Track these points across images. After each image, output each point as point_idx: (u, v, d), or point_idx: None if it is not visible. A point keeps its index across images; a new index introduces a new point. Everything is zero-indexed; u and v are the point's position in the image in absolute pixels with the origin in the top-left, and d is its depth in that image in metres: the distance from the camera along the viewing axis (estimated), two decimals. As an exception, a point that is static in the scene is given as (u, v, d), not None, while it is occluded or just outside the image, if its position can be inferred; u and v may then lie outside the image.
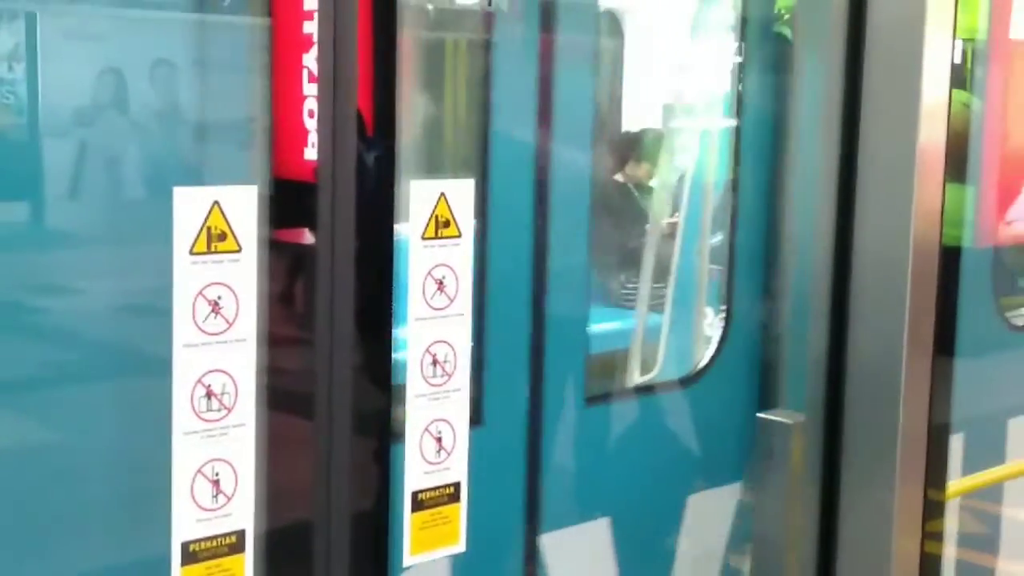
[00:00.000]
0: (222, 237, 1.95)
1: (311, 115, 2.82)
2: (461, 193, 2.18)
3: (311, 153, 2.92)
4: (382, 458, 2.16)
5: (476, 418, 2.39)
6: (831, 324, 2.81)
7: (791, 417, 2.89)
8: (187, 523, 1.96)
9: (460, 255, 2.20)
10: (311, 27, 2.80)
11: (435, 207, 2.15)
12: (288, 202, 2.13)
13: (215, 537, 1.98)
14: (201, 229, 1.93)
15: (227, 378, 1.97)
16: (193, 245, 1.93)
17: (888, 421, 2.75)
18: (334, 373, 2.04)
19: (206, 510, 1.97)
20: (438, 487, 2.21)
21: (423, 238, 2.15)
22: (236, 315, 1.97)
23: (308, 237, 2.12)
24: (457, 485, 2.23)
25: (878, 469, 2.76)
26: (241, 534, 2.01)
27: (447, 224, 2.17)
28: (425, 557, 2.21)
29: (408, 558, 2.19)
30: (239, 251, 1.97)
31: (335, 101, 2.06)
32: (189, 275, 1.93)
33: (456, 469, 2.22)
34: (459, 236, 2.19)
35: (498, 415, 2.55)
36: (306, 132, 2.91)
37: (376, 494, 2.15)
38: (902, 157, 2.74)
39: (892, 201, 2.79)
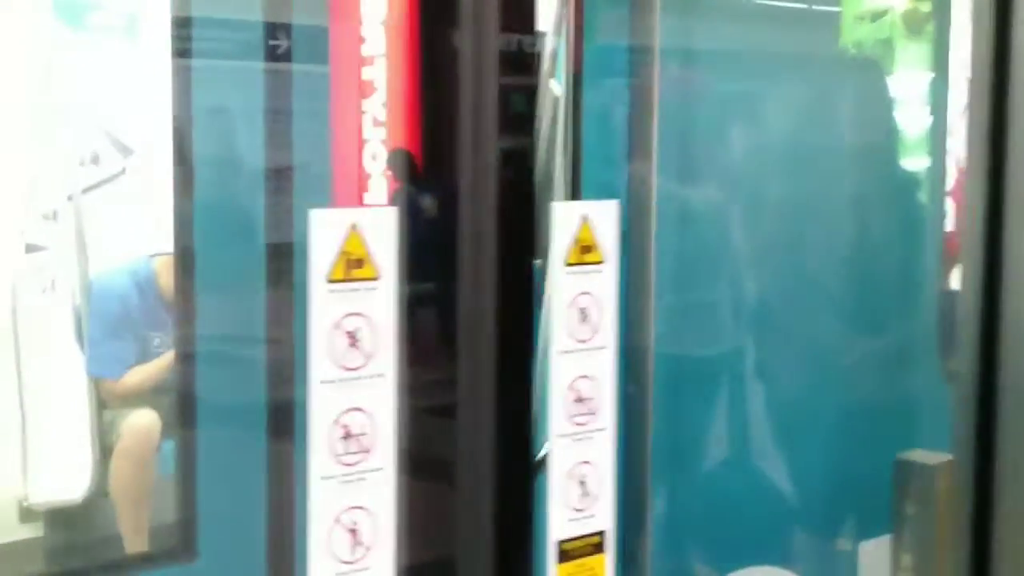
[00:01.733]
0: (359, 263, 1.80)
1: (373, 158, 2.73)
2: (604, 215, 2.02)
3: (370, 198, 2.82)
4: (526, 505, 1.98)
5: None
6: (981, 352, 2.62)
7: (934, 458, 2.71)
8: (326, 577, 1.79)
9: (604, 282, 2.04)
10: (370, 72, 2.74)
11: (578, 231, 1.99)
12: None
13: (355, 593, 1.82)
14: (339, 255, 1.78)
15: (365, 418, 1.81)
16: (330, 272, 1.77)
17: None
18: (477, 411, 1.88)
19: (344, 563, 1.80)
20: (583, 536, 2.03)
21: (566, 264, 1.99)
22: (374, 349, 1.81)
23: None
24: (603, 534, 2.05)
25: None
26: (380, 588, 1.84)
27: (589, 249, 2.02)
28: None
29: None
30: (377, 279, 1.81)
31: (475, 129, 1.89)
32: (326, 305, 1.77)
33: (601, 517, 2.04)
34: (602, 262, 2.03)
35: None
36: (366, 176, 2.81)
37: (520, 544, 1.98)
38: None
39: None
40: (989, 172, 2.57)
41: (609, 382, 2.05)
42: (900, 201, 3.06)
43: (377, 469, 1.82)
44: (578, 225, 1.99)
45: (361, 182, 2.77)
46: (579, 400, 2.02)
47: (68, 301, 4.83)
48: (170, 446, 4.32)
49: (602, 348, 2.04)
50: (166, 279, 4.63)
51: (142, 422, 4.91)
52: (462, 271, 1.86)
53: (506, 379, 1.90)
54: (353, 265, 1.79)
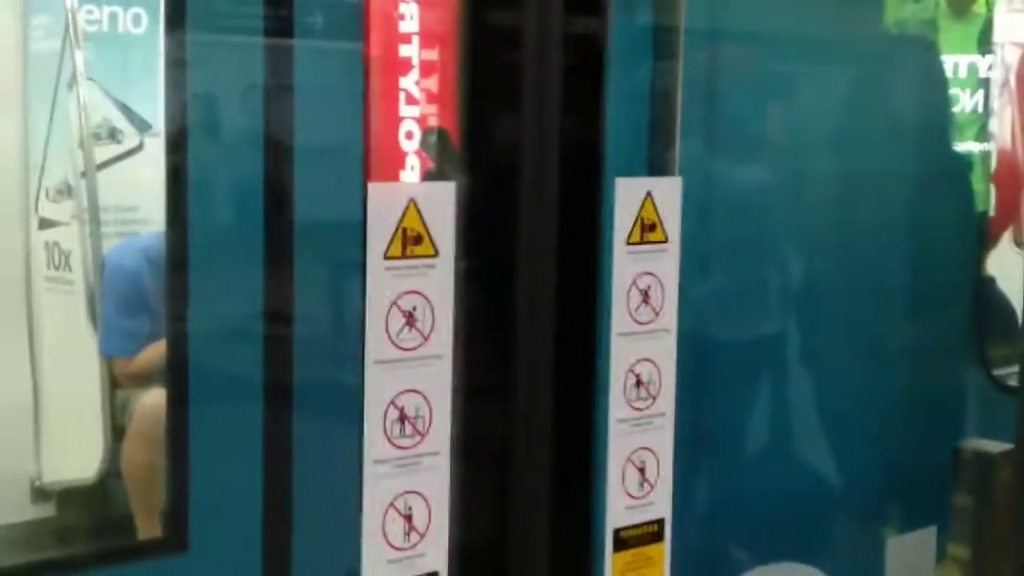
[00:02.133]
0: (418, 240, 1.73)
1: (408, 136, 2.66)
2: (668, 192, 1.95)
3: (408, 175, 2.75)
4: (585, 492, 1.92)
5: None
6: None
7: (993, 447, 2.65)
8: (378, 565, 1.73)
9: (667, 262, 1.97)
10: (408, 50, 2.67)
11: (640, 208, 1.92)
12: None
13: (410, 581, 1.75)
14: (396, 230, 1.71)
15: (421, 400, 1.75)
16: (388, 248, 1.71)
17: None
18: (535, 395, 1.82)
19: (398, 549, 1.74)
20: (641, 524, 1.97)
21: (628, 243, 1.92)
22: (432, 328, 1.75)
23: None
24: (661, 522, 1.99)
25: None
26: (434, 576, 1.78)
27: (653, 227, 1.95)
28: None
29: None
30: (436, 256, 1.74)
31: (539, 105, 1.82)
32: (383, 282, 1.70)
33: (660, 504, 1.98)
34: (666, 241, 1.96)
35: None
36: (403, 154, 2.75)
37: (578, 532, 1.92)
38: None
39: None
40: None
41: (670, 366, 1.99)
42: (944, 185, 3.00)
43: (433, 453, 1.76)
44: (641, 202, 1.93)
45: (397, 160, 2.70)
46: (639, 384, 1.96)
47: (81, 279, 4.75)
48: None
49: (664, 331, 1.98)
50: None
51: (155, 402, 4.84)
52: (523, 253, 1.80)
53: (567, 362, 1.84)
54: (411, 241, 1.73)
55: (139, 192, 4.64)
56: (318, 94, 2.37)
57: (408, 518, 1.75)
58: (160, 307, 4.72)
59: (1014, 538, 2.54)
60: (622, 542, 1.95)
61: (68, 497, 4.76)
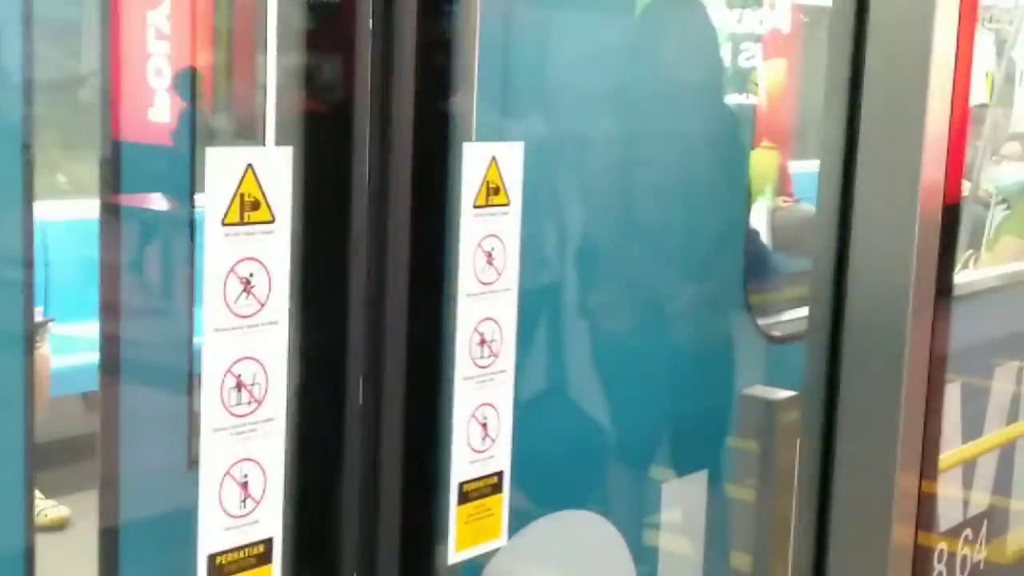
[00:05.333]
0: (255, 206, 1.71)
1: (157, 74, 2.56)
2: (512, 157, 1.98)
3: (155, 114, 2.66)
4: (432, 448, 1.94)
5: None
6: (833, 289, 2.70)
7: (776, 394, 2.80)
8: (215, 533, 1.71)
9: (509, 224, 2.01)
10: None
11: (486, 172, 1.96)
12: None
13: (242, 548, 1.74)
14: (234, 196, 1.68)
15: (258, 367, 1.73)
16: (226, 215, 1.68)
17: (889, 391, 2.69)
18: (385, 357, 1.83)
19: (234, 517, 1.73)
20: (483, 477, 2.01)
21: (475, 207, 1.95)
22: (268, 295, 1.73)
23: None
24: (500, 475, 2.04)
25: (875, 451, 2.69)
26: (268, 543, 1.77)
27: (497, 191, 1.98)
28: (469, 553, 2.01)
29: (453, 555, 2.00)
30: (273, 221, 1.72)
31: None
32: (221, 249, 1.68)
33: (500, 457, 2.03)
34: (508, 204, 2.00)
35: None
36: (151, 92, 2.65)
37: (426, 488, 1.94)
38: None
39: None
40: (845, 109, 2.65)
41: (512, 325, 2.03)
42: (717, 140, 3.09)
43: (268, 420, 1.75)
44: (487, 166, 1.96)
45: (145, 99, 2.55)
46: (483, 343, 2.00)
47: None
48: None
49: (507, 290, 2.02)
50: None
51: None
52: (366, 215, 1.79)
53: (416, 327, 1.85)
54: (249, 207, 1.70)
55: None
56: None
57: (244, 485, 1.74)
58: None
59: (800, 476, 2.72)
60: (465, 495, 1.99)
61: None
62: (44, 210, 5.58)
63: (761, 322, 3.15)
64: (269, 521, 1.77)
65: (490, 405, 2.03)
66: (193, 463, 1.71)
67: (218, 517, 1.71)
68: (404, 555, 1.97)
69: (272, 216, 1.72)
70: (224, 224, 1.67)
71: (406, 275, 1.87)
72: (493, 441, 2.04)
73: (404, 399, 1.89)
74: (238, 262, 1.69)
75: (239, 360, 1.71)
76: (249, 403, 1.73)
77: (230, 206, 1.68)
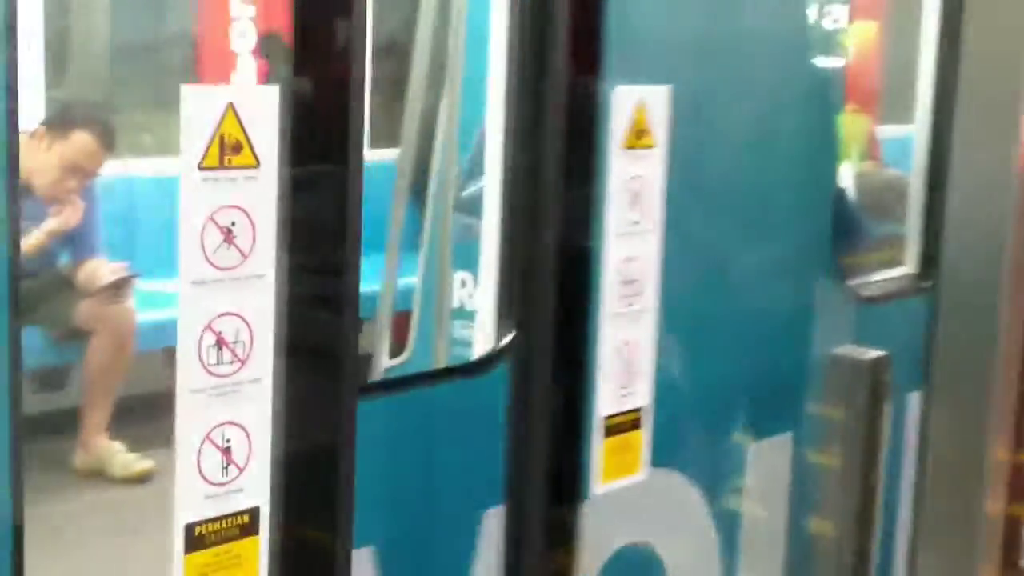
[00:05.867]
0: (237, 149, 1.58)
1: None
2: (658, 100, 2.05)
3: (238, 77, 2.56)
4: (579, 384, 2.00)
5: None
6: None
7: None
8: (194, 501, 1.59)
9: (655, 166, 2.07)
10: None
11: (634, 114, 2.02)
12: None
13: (224, 517, 1.62)
14: (213, 138, 1.55)
15: (241, 323, 1.61)
16: (203, 158, 1.55)
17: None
18: (536, 293, 1.93)
19: (215, 484, 1.61)
20: (625, 412, 2.13)
21: (622, 148, 2.00)
22: (253, 246, 1.60)
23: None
24: (641, 410, 2.14)
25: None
26: (254, 513, 1.65)
27: (642, 133, 2.05)
28: (612, 486, 2.13)
29: (597, 487, 2.11)
30: (257, 166, 1.59)
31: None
32: (198, 195, 1.55)
33: (641, 393, 2.13)
34: (654, 146, 2.05)
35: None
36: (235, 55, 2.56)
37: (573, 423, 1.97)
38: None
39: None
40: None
41: (655, 264, 2.12)
42: (802, 96, 2.91)
43: (254, 380, 1.62)
44: (634, 108, 2.02)
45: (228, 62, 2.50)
46: (627, 282, 2.08)
47: None
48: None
49: (650, 231, 2.09)
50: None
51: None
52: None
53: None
54: (230, 150, 1.57)
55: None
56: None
57: (226, 451, 1.61)
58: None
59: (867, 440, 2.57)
60: (609, 429, 2.09)
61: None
62: (131, 168, 5.58)
63: (851, 283, 2.99)
64: (255, 489, 1.64)
65: (633, 342, 2.11)
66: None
67: (197, 484, 1.59)
68: (549, 488, 2.04)
69: (256, 160, 1.58)
70: (202, 168, 1.54)
71: (559, 214, 1.93)
72: (636, 377, 2.13)
73: (554, 336, 1.96)
74: (218, 209, 1.56)
75: (220, 316, 1.58)
76: (231, 362, 1.60)
77: (208, 148, 1.55)
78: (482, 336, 2.20)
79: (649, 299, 2.12)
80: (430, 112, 3.58)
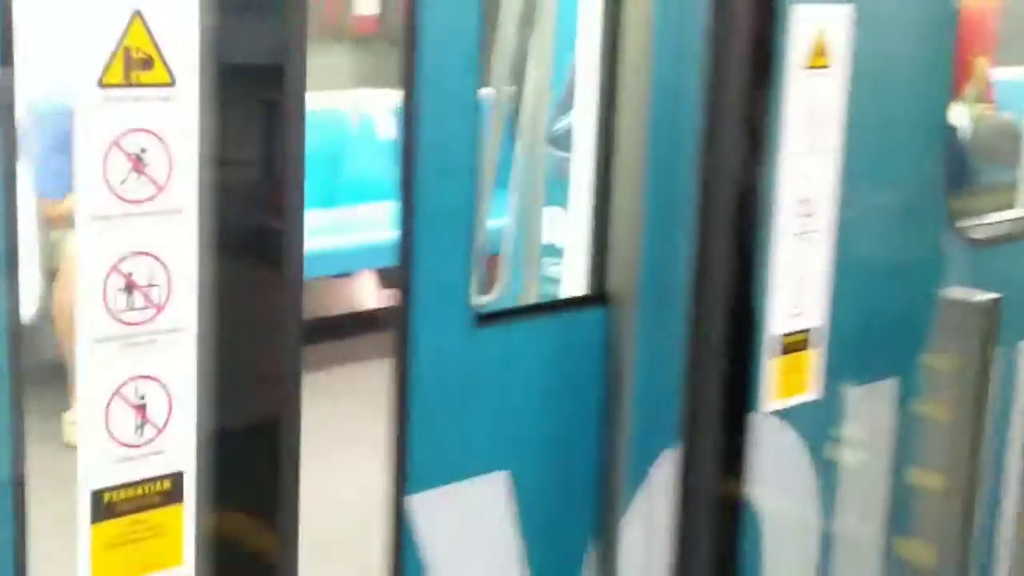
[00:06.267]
0: (147, 64, 1.38)
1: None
2: (839, 21, 2.05)
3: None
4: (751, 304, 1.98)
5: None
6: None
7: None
8: (102, 464, 1.41)
9: (834, 86, 2.07)
10: None
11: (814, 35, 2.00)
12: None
13: (140, 483, 1.44)
14: (116, 51, 1.35)
15: (156, 264, 1.41)
16: (104, 74, 1.35)
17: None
18: (713, 213, 1.86)
19: (128, 446, 1.42)
20: (797, 332, 2.13)
21: (803, 68, 2.01)
22: (169, 175, 1.40)
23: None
24: (810, 331, 2.16)
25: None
26: (177, 478, 1.46)
27: (822, 53, 2.04)
28: (782, 403, 2.16)
29: (769, 404, 2.13)
30: (171, 84, 1.39)
31: None
32: (99, 116, 1.35)
33: (813, 314, 2.15)
34: (831, 66, 2.05)
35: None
36: None
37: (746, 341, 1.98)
38: None
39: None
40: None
41: (831, 186, 2.11)
42: (917, 33, 2.63)
43: (172, 330, 1.43)
44: (816, 29, 2.02)
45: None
46: (802, 201, 2.08)
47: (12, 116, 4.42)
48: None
49: (827, 152, 2.09)
50: None
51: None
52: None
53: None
54: (138, 66, 1.37)
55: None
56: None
57: (140, 408, 1.42)
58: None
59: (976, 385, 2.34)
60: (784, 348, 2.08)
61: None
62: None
63: (960, 224, 2.79)
64: (177, 452, 1.45)
65: (807, 264, 2.11)
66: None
67: (105, 446, 1.40)
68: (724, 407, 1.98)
69: (171, 78, 1.38)
70: (102, 85, 1.35)
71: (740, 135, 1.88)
72: (808, 297, 2.13)
73: (729, 257, 1.91)
74: (124, 134, 1.37)
75: (130, 255, 1.39)
76: (144, 308, 1.41)
77: (110, 62, 1.35)
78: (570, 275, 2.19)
79: (824, 220, 2.13)
80: (521, 48, 3.40)
